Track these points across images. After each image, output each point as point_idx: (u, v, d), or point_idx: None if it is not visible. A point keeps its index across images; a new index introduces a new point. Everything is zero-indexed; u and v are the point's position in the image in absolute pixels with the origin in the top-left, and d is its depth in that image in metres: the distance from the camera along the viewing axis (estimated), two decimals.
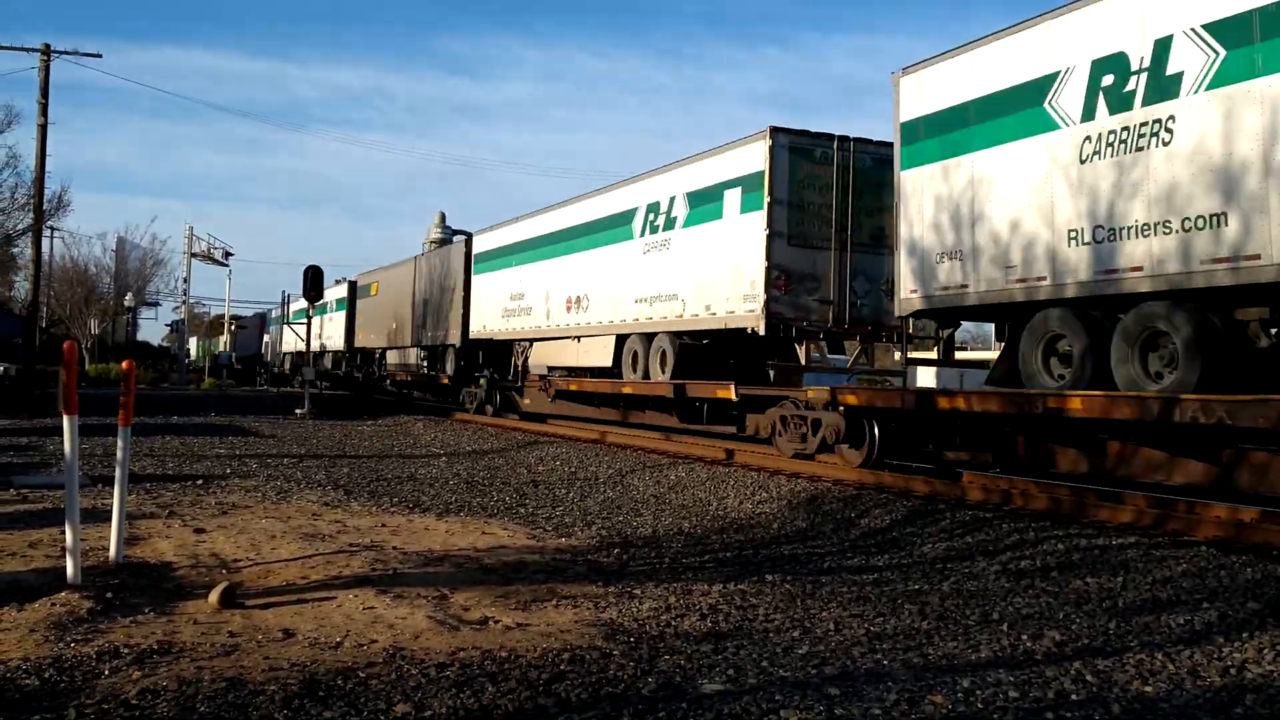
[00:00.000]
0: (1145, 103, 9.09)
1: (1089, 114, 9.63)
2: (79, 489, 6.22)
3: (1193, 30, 8.65)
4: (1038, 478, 11.08)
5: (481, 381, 25.58)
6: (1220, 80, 8.43)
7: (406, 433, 21.07)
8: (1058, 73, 9.93)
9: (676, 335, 16.42)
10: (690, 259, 15.89)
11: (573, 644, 5.17)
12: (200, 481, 11.65)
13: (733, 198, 14.90)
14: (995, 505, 10.03)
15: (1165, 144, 8.88)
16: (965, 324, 13.72)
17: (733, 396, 14.33)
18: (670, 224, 16.61)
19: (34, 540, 7.44)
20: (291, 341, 48.83)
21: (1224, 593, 6.59)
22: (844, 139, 14.43)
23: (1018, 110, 10.40)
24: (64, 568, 6.07)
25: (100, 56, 28.50)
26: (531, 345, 22.54)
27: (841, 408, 12.32)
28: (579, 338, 19.81)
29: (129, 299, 56.18)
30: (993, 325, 12.42)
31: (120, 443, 6.71)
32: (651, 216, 17.22)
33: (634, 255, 17.61)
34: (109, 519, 6.85)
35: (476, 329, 25.24)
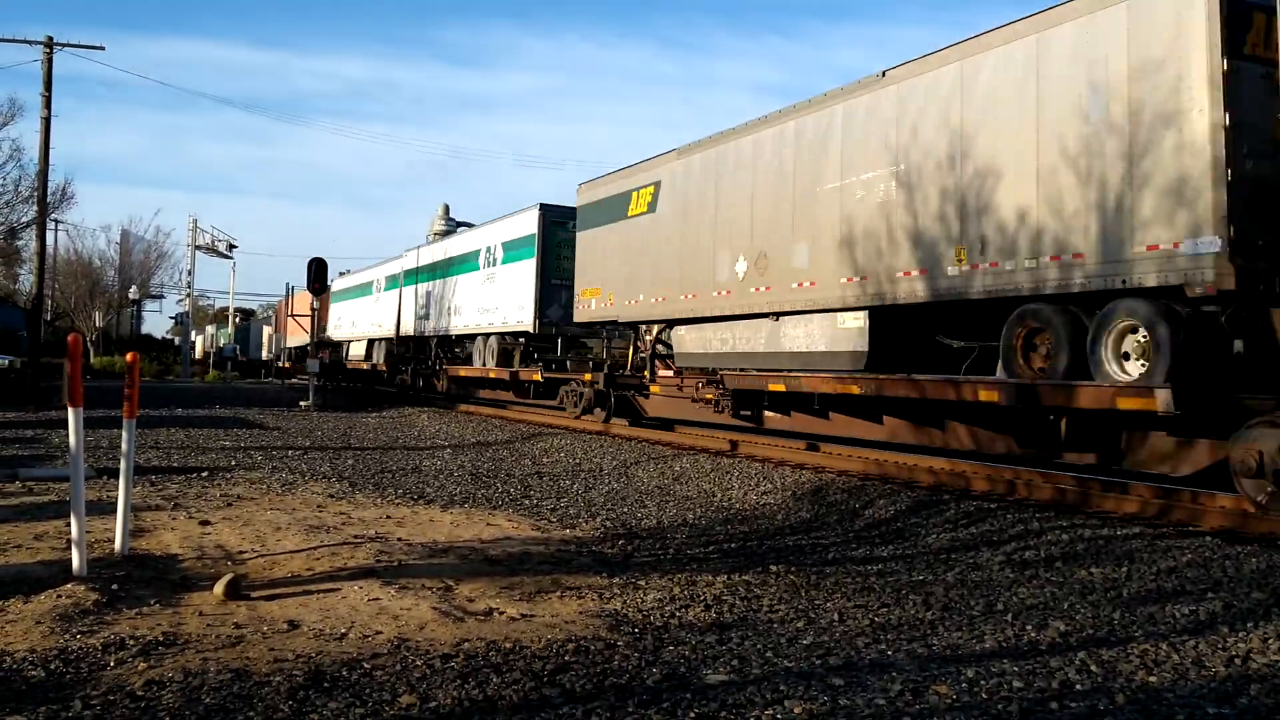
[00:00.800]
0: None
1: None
2: (84, 481, 6.23)
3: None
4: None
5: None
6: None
7: (411, 424, 21.09)
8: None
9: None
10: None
11: (577, 635, 5.18)
12: (205, 473, 11.68)
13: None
14: (1000, 496, 10.03)
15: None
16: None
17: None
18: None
19: (40, 532, 7.47)
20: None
21: (1229, 583, 6.58)
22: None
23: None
24: (70, 560, 6.09)
25: (103, 49, 28.40)
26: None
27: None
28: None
29: (133, 291, 56.31)
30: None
31: (125, 435, 6.72)
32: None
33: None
34: (114, 511, 6.87)
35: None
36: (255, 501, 9.53)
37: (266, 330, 64.38)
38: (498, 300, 23.99)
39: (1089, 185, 9.40)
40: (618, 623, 5.46)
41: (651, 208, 16.95)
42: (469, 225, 29.21)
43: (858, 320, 12.30)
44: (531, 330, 22.01)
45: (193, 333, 64.61)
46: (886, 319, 12.06)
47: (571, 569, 6.93)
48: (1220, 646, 5.15)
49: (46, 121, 26.62)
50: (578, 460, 14.27)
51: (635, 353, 19.12)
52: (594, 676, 4.48)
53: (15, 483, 10.17)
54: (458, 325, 26.65)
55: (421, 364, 30.71)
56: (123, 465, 6.65)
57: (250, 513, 8.80)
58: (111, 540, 6.83)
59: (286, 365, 50.77)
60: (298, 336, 47.46)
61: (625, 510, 9.99)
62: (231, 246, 56.84)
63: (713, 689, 4.34)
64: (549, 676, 4.46)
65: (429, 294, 29.50)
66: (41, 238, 28.33)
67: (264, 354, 62.19)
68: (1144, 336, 8.97)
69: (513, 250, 23.65)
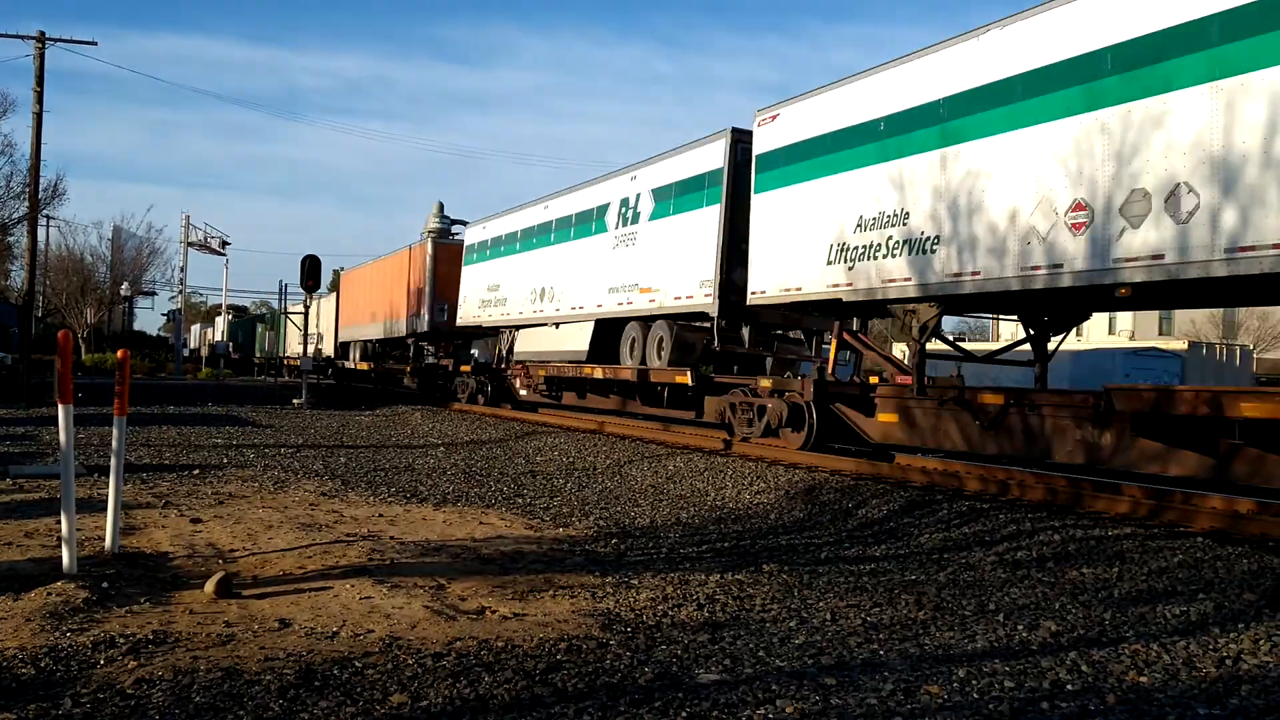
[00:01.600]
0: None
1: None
2: (75, 479, 6.21)
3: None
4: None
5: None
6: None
7: (404, 423, 21.05)
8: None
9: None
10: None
11: (569, 634, 5.17)
12: (197, 471, 11.64)
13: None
14: (992, 496, 10.05)
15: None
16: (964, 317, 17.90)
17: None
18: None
19: (30, 530, 7.44)
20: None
21: (1220, 584, 6.60)
22: None
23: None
24: (60, 557, 6.07)
25: (96, 44, 28.42)
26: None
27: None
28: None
29: (125, 288, 56.13)
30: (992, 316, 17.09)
31: (115, 432, 6.69)
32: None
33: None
34: (105, 509, 6.84)
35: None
36: (247, 499, 9.51)
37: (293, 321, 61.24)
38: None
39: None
40: (610, 622, 5.46)
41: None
42: (463, 223, 28.68)
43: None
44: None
45: (202, 329, 64.00)
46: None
47: (564, 568, 6.92)
48: (1211, 647, 5.16)
49: (38, 117, 26.52)
50: (571, 459, 14.26)
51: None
52: (586, 675, 4.48)
53: (6, 480, 10.12)
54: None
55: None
56: (113, 463, 6.62)
57: (242, 511, 8.78)
58: (102, 538, 6.80)
59: (361, 366, 36.37)
60: (359, 325, 35.67)
61: (618, 509, 9.98)
62: (224, 243, 56.74)
63: (705, 688, 4.34)
64: (541, 675, 4.45)
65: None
66: (33, 234, 28.23)
67: (292, 350, 47.93)
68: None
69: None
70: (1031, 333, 12.63)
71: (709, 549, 8.00)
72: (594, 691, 4.27)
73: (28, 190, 28.23)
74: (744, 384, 14.98)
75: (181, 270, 54.88)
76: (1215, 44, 8.31)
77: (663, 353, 16.83)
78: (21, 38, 27.06)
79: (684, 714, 4.03)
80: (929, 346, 12.10)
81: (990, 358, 13.82)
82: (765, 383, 14.24)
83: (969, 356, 14.37)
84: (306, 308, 34.05)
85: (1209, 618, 5.79)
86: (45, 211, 40.83)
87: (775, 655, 4.90)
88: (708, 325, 15.92)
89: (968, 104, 10.89)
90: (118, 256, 59.16)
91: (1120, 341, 42.30)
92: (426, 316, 27.63)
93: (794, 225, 13.62)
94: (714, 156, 15.53)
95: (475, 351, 29.23)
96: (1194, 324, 49.43)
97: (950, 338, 14.85)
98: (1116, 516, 8.83)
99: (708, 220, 15.48)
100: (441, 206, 43.40)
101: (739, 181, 14.93)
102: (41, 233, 41.56)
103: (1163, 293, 10.05)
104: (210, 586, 5.75)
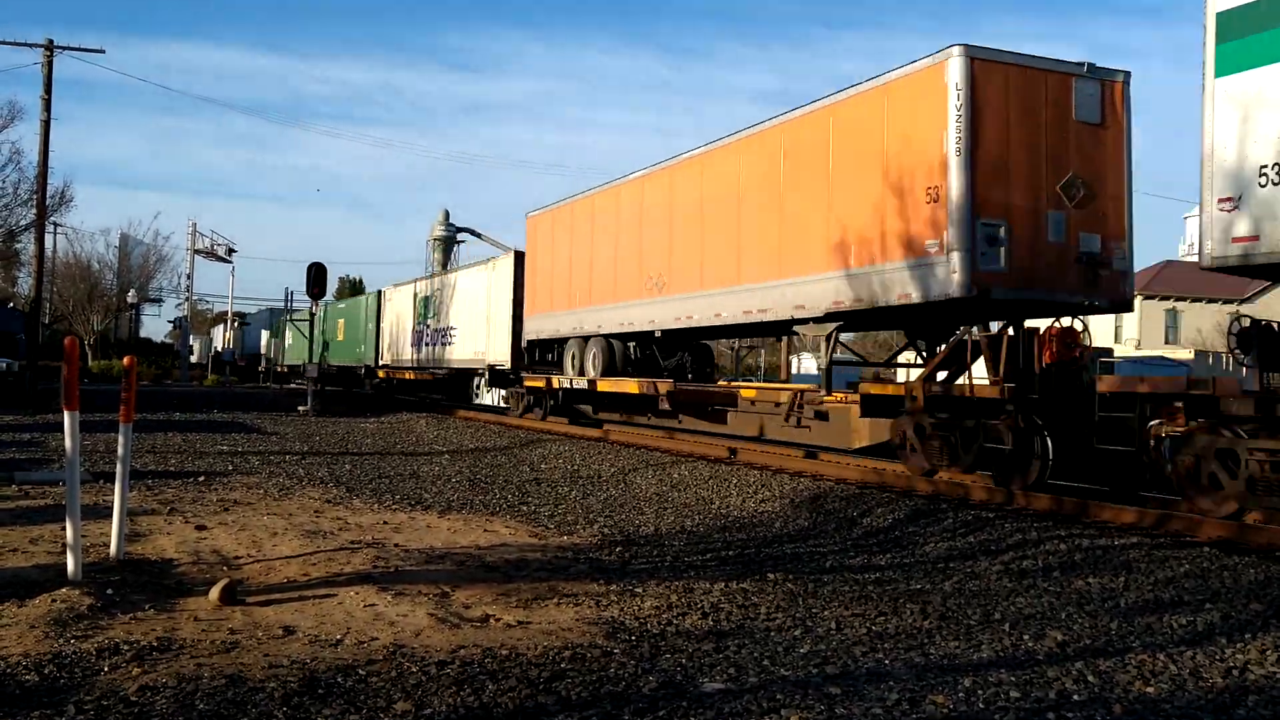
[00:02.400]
0: None
1: None
2: (80, 485, 6.22)
3: None
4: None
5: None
6: None
7: (409, 430, 21.07)
8: None
9: None
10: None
11: (574, 642, 5.16)
12: (202, 478, 11.65)
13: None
14: (998, 505, 10.02)
15: None
16: None
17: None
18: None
19: (35, 536, 7.45)
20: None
21: (1226, 594, 6.57)
22: None
23: None
24: (65, 564, 6.07)
25: (103, 52, 28.36)
26: None
27: None
28: None
29: (132, 295, 56.21)
30: None
31: (121, 439, 6.71)
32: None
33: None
34: (110, 515, 6.85)
35: None
36: (252, 506, 9.51)
37: (264, 334, 60.45)
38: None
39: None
40: (614, 630, 5.45)
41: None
42: (471, 231, 28.93)
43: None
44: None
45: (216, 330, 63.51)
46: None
47: (569, 576, 6.91)
48: (1218, 658, 5.14)
49: (46, 125, 26.64)
50: (576, 467, 14.25)
51: None
52: (590, 684, 4.47)
53: (12, 486, 10.14)
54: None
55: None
56: (119, 469, 6.64)
57: (247, 518, 8.78)
58: (107, 544, 6.81)
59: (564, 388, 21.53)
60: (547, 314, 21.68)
61: (623, 517, 9.97)
62: (231, 251, 56.88)
63: (709, 697, 4.32)
64: (545, 684, 4.44)
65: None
66: (40, 241, 28.33)
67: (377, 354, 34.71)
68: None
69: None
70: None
71: (714, 557, 7.99)
72: (598, 700, 4.26)
73: (35, 197, 28.35)
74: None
75: (188, 277, 55.03)
76: None
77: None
78: (30, 46, 27.21)
79: None
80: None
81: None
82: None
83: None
84: (312, 315, 34.16)
85: (1216, 628, 5.77)
86: (52, 219, 41.04)
87: (780, 664, 4.89)
88: None
89: None
90: (124, 263, 59.33)
91: (1127, 350, 42.24)
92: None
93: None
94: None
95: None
96: (1200, 333, 49.32)
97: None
98: (1123, 526, 8.80)
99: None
100: (447, 214, 43.28)
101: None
102: (49, 240, 41.78)
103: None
104: (215, 593, 5.75)
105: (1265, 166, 8.27)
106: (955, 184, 10.68)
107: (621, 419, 20.44)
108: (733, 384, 18.68)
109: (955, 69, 10.74)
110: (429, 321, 29.18)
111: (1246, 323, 9.48)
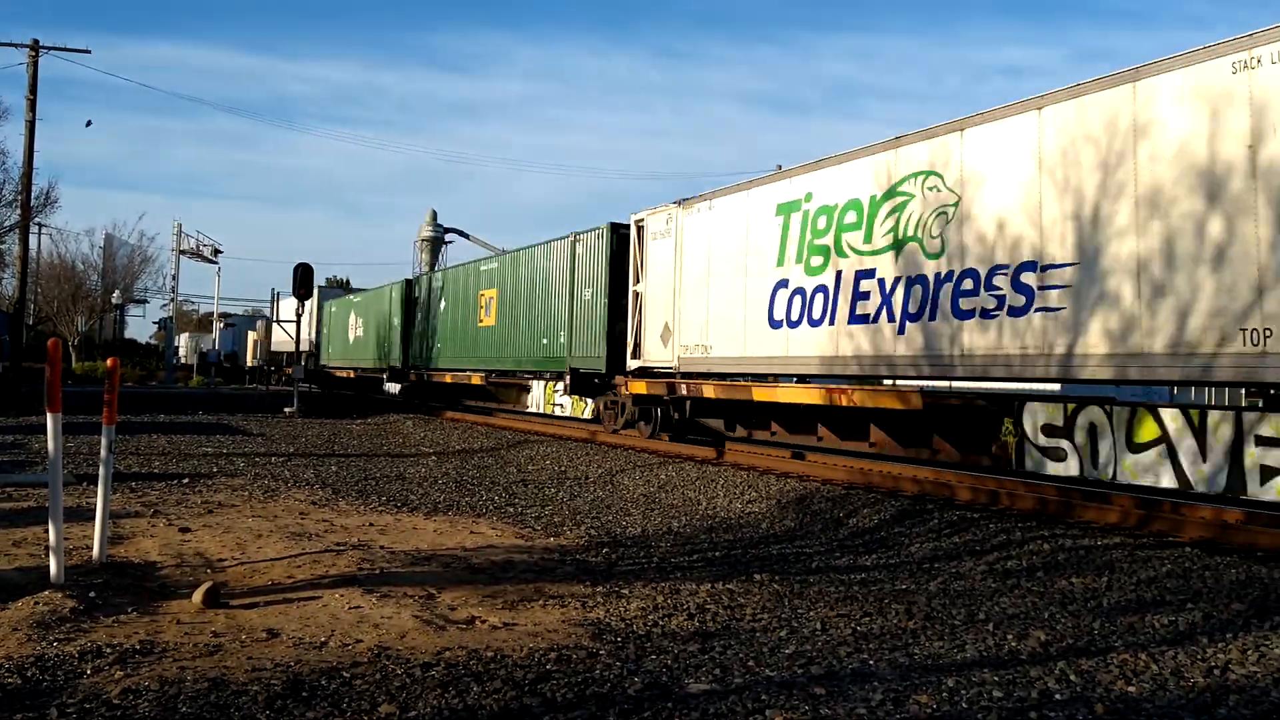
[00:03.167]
0: None
1: None
2: (64, 487, 6.18)
3: None
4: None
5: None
6: None
7: (396, 431, 21.01)
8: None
9: None
10: None
11: (559, 644, 5.16)
12: (186, 480, 11.60)
13: None
14: (983, 505, 10.06)
15: None
16: None
17: None
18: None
19: (18, 539, 7.40)
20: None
21: (1208, 593, 6.62)
22: None
23: None
24: (47, 566, 6.04)
25: (89, 52, 28.24)
26: None
27: None
28: None
29: (116, 296, 55.93)
30: None
31: (104, 441, 6.67)
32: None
33: None
34: (94, 517, 6.82)
35: None
36: (236, 508, 9.47)
37: (252, 335, 59.91)
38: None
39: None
40: (600, 631, 5.45)
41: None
42: (459, 232, 28.49)
43: None
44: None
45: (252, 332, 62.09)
46: None
47: (555, 577, 6.91)
48: (1199, 657, 5.18)
49: (31, 125, 26.50)
50: (563, 468, 14.24)
51: None
52: (575, 685, 4.47)
53: None
54: None
55: None
56: (102, 471, 6.60)
57: (231, 520, 8.74)
58: (90, 547, 6.77)
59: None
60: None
61: (610, 518, 9.97)
62: (216, 251, 56.63)
63: (694, 698, 4.33)
64: (530, 685, 4.44)
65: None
66: (25, 241, 28.14)
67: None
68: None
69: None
70: None
71: (700, 558, 8.00)
72: (583, 701, 4.26)
73: (20, 198, 28.16)
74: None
75: (173, 278, 54.76)
76: None
77: None
78: (15, 46, 27.06)
79: None
80: None
81: None
82: None
83: None
84: (299, 315, 34.01)
85: (1197, 627, 5.81)
86: (37, 219, 40.74)
87: (765, 665, 4.90)
88: None
89: None
90: (109, 264, 58.99)
91: None
92: None
93: None
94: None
95: None
96: None
97: None
98: (1106, 526, 8.86)
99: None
100: (435, 214, 43.10)
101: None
102: (33, 240, 41.48)
103: None
104: (198, 596, 5.72)
105: None
106: None
107: None
108: None
109: None
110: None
111: None
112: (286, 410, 25.96)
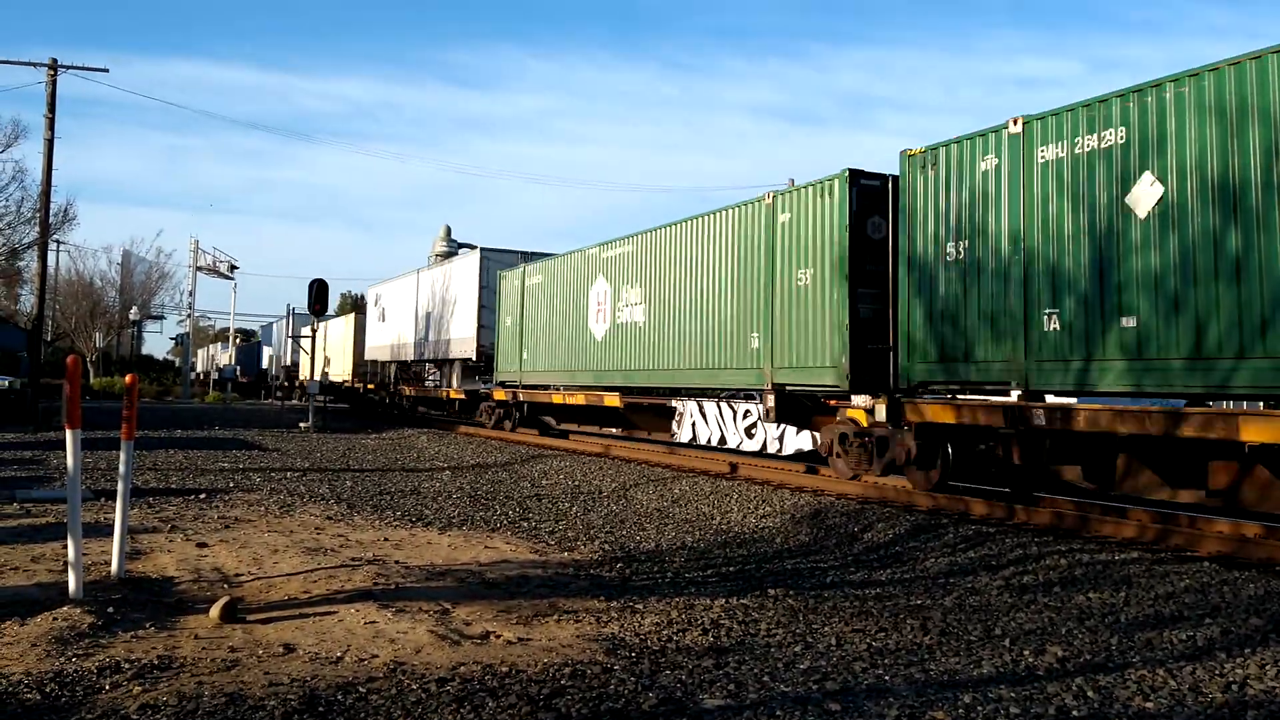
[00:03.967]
0: None
1: None
2: (82, 503, 6.24)
3: None
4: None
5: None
6: None
7: (411, 446, 21.08)
8: None
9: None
10: None
11: (574, 659, 5.17)
12: (203, 495, 11.67)
13: None
14: (998, 520, 10.02)
15: None
16: None
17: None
18: None
19: (37, 554, 7.46)
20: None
21: (1226, 609, 6.57)
22: None
23: None
24: (66, 582, 6.09)
25: (107, 71, 28.59)
26: None
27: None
28: None
29: (134, 312, 56.32)
30: None
31: (123, 457, 6.73)
32: None
33: None
34: (111, 533, 6.87)
35: None
36: (253, 523, 9.52)
37: (267, 350, 59.39)
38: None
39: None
40: (614, 647, 5.45)
41: None
42: (471, 247, 28.51)
43: None
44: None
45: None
46: None
47: (569, 592, 6.92)
48: (1218, 673, 5.14)
49: (49, 143, 26.79)
50: (576, 483, 14.26)
51: None
52: (590, 701, 4.47)
53: (13, 504, 10.16)
54: None
55: None
56: (120, 487, 6.66)
57: (248, 535, 8.79)
58: (108, 563, 6.82)
59: None
60: None
61: (624, 533, 9.97)
62: (233, 267, 57.01)
63: (709, 714, 4.33)
64: (545, 701, 4.45)
65: None
66: (43, 259, 28.43)
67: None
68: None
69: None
70: None
71: (714, 573, 7.99)
72: (598, 717, 4.26)
73: (39, 215, 28.46)
74: None
75: (190, 294, 55.16)
76: None
77: None
78: (34, 65, 27.40)
79: None
80: None
81: None
82: None
83: None
84: (314, 331, 34.18)
85: (1216, 643, 5.76)
86: (55, 237, 41.16)
87: (780, 680, 4.89)
88: None
89: None
90: (127, 281, 59.44)
91: None
92: None
93: None
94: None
95: None
96: None
97: None
98: (1123, 541, 8.80)
99: None
100: (449, 230, 43.41)
101: None
102: (51, 258, 41.92)
103: None
104: (215, 611, 5.76)
105: None
106: None
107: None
108: None
109: None
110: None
111: None
112: (302, 425, 26.07)
